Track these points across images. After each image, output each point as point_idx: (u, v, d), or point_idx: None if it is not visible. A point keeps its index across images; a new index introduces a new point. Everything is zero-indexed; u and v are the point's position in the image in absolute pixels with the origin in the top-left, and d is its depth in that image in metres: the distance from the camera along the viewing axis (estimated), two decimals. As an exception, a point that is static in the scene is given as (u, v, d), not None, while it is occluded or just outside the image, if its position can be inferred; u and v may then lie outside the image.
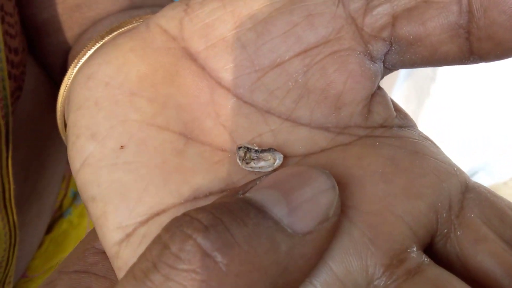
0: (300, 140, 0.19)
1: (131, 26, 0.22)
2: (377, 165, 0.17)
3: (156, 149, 0.18)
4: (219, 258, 0.13)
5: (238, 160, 0.18)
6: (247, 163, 0.18)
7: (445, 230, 0.16)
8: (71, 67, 0.22)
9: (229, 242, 0.13)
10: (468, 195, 0.17)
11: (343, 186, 0.17)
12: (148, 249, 0.14)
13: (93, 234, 0.22)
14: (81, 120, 0.19)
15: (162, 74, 0.19)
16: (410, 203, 0.16)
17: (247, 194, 0.15)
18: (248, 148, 0.18)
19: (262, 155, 0.18)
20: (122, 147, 0.18)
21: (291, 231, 0.14)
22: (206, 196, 0.17)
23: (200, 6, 0.19)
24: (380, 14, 0.18)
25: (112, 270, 0.20)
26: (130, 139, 0.18)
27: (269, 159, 0.18)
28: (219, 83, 0.19)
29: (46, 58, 0.37)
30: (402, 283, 0.15)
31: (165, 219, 0.17)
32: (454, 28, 0.17)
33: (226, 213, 0.14)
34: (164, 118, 0.18)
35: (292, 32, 0.19)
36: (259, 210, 0.14)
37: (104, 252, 0.21)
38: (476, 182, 0.18)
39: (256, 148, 0.18)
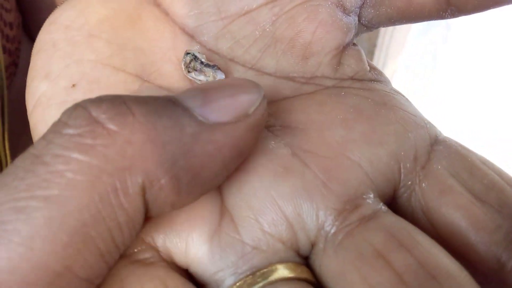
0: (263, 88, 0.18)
1: None
2: (338, 112, 0.17)
3: (108, 88, 0.17)
4: (108, 124, 0.13)
5: (182, 65, 0.18)
6: (189, 72, 0.18)
7: (409, 182, 0.16)
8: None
9: (123, 112, 0.13)
10: (437, 147, 0.16)
11: (300, 131, 0.16)
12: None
13: None
14: (37, 62, 0.18)
15: (123, 18, 0.19)
16: (369, 150, 0.16)
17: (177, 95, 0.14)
18: (195, 56, 0.18)
19: (205, 69, 0.18)
20: (73, 85, 0.17)
21: (202, 118, 0.14)
22: None
23: None
24: None
25: None
26: (82, 78, 0.18)
27: (209, 76, 0.18)
28: (183, 29, 0.19)
29: None
30: (354, 229, 0.14)
31: None
32: None
33: (136, 102, 0.13)
34: (120, 59, 0.18)
35: None
36: (168, 99, 0.14)
37: None
38: (447, 136, 0.17)
39: (202, 60, 0.18)
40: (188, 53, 0.18)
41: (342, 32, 0.18)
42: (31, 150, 0.13)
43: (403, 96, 0.18)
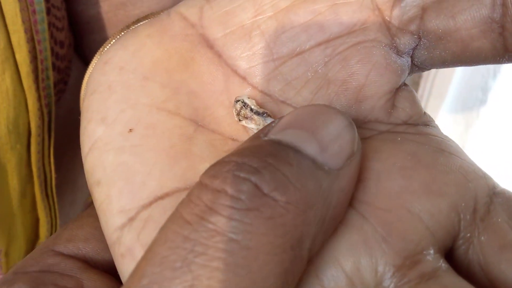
0: None
1: (156, 15, 0.22)
2: (396, 159, 0.16)
3: (164, 134, 0.18)
4: (278, 196, 0.13)
5: (234, 112, 0.18)
6: (240, 120, 0.18)
7: (468, 234, 0.15)
8: (96, 55, 0.22)
9: (283, 182, 0.13)
10: (496, 199, 0.15)
11: (358, 180, 0.16)
12: (194, 196, 0.13)
13: (51, 240, 0.21)
14: (93, 104, 0.19)
15: (177, 60, 0.19)
16: (429, 201, 0.15)
17: (272, 136, 0.14)
18: (245, 103, 0.18)
19: (254, 116, 0.17)
20: (130, 130, 0.18)
21: (328, 168, 0.14)
22: None
23: None
24: (408, 6, 0.17)
25: (77, 268, 0.20)
26: (139, 122, 0.18)
27: (259, 124, 0.17)
28: (235, 71, 0.19)
29: (90, 55, 0.39)
30: (414, 287, 0.14)
31: (168, 203, 0.16)
32: (487, 22, 0.16)
33: (269, 156, 0.14)
34: (175, 103, 0.18)
35: (314, 21, 0.18)
36: (295, 150, 0.14)
37: (64, 254, 0.21)
38: (505, 188, 0.16)
39: (252, 107, 0.17)
40: (238, 100, 0.18)
41: (396, 74, 0.18)
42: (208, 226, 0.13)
43: (456, 144, 0.18)
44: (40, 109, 0.31)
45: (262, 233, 0.13)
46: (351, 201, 0.15)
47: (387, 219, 0.15)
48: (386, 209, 0.15)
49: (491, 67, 0.87)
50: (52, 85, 0.32)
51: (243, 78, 0.19)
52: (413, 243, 0.14)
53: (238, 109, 0.18)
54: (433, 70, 0.83)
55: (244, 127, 0.18)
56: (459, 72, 0.93)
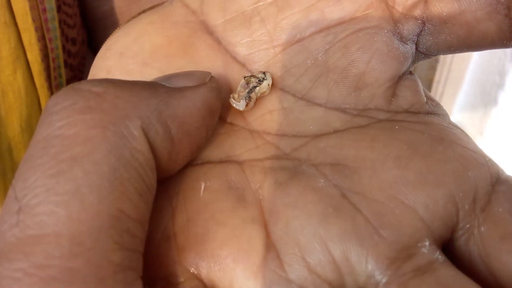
0: (312, 119, 0.17)
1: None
2: (391, 149, 0.16)
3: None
4: (94, 88, 0.14)
5: (240, 88, 0.18)
6: (247, 84, 0.18)
7: (468, 225, 0.14)
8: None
9: (105, 80, 0.15)
10: (499, 187, 0.15)
11: (351, 170, 0.15)
12: None
13: None
14: None
15: (176, 46, 0.19)
16: (425, 192, 0.14)
17: None
18: (258, 84, 0.18)
19: (242, 90, 0.18)
20: None
21: (169, 84, 0.16)
22: (203, 163, 0.17)
23: None
24: None
25: None
26: None
27: (239, 96, 0.18)
28: (234, 58, 0.19)
29: None
30: (408, 281, 0.13)
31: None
32: (492, 3, 0.16)
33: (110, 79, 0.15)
34: None
35: (315, 7, 0.18)
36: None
37: None
38: (511, 175, 0.16)
39: (252, 90, 0.18)
40: (264, 73, 0.18)
41: (398, 62, 0.17)
42: (37, 136, 0.14)
43: (462, 130, 0.17)
44: (54, 107, 0.31)
45: (78, 119, 0.13)
46: (344, 192, 0.15)
47: (380, 210, 0.14)
48: (379, 200, 0.15)
49: (508, 50, 0.85)
50: (64, 83, 0.32)
51: (242, 65, 0.19)
52: (407, 236, 0.14)
53: (256, 75, 0.18)
54: (449, 55, 0.82)
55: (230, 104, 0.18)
56: (476, 56, 0.91)
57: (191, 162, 0.17)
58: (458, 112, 0.97)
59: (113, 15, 0.36)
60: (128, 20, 0.21)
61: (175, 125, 0.15)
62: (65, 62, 0.32)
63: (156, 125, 0.14)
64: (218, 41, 0.19)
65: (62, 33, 0.31)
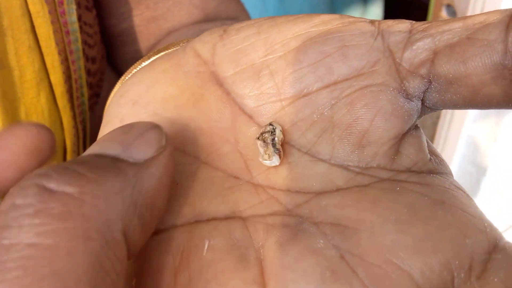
0: (316, 176, 0.18)
1: (173, 49, 0.22)
2: (391, 212, 0.16)
3: None
4: (70, 189, 0.13)
5: (261, 130, 0.18)
6: (258, 138, 0.18)
7: None
8: (117, 84, 0.23)
9: (75, 176, 0.13)
10: (495, 255, 0.15)
11: (350, 232, 0.16)
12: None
13: None
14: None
15: (187, 97, 0.19)
16: (421, 258, 0.15)
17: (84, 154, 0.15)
18: (274, 132, 0.18)
19: (270, 147, 0.18)
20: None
21: (133, 160, 0.14)
22: (208, 220, 0.17)
23: (236, 32, 0.19)
24: (420, 48, 0.17)
25: None
26: None
27: (266, 156, 0.18)
28: (242, 110, 0.19)
29: (122, 67, 0.39)
30: None
31: (162, 239, 0.17)
32: (498, 68, 0.15)
33: (62, 164, 0.14)
34: (181, 140, 0.19)
35: (323, 63, 0.18)
36: (95, 156, 0.14)
37: None
38: (509, 242, 0.16)
39: (276, 140, 0.18)
40: (271, 124, 0.18)
41: (403, 120, 0.17)
42: (8, 239, 0.12)
43: (464, 192, 0.17)
44: (75, 126, 0.31)
45: (59, 228, 0.12)
46: (342, 253, 0.15)
47: (376, 274, 0.15)
48: (376, 264, 0.15)
49: None
50: (86, 102, 0.33)
51: (250, 117, 0.19)
52: None
53: (265, 130, 0.18)
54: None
55: (255, 145, 0.18)
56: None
57: (197, 219, 0.17)
58: (471, 118, 0.96)
59: (132, 33, 0.36)
60: (143, 60, 0.22)
61: (148, 211, 0.15)
62: (86, 81, 0.32)
63: (134, 220, 0.14)
64: (227, 93, 0.19)
65: (83, 53, 0.31)
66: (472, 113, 0.95)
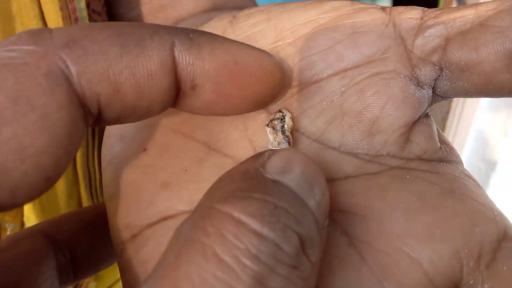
0: (325, 163, 0.18)
1: None
2: (401, 200, 0.16)
3: (177, 156, 0.18)
4: (312, 258, 0.13)
5: (269, 116, 0.18)
6: (267, 125, 0.18)
7: (471, 281, 0.15)
8: None
9: (313, 242, 0.13)
10: (505, 244, 0.15)
11: (359, 219, 0.16)
12: (225, 229, 0.12)
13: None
14: None
15: None
16: (430, 246, 0.15)
17: (276, 177, 0.14)
18: (283, 119, 0.18)
19: (279, 134, 0.18)
20: (144, 150, 0.18)
21: (320, 226, 0.14)
22: None
23: (245, 18, 0.19)
24: (432, 35, 0.17)
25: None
26: (154, 143, 0.18)
27: (276, 143, 0.18)
28: None
29: None
30: None
31: (172, 225, 0.17)
32: (510, 56, 0.15)
33: (289, 206, 0.13)
34: (190, 126, 0.19)
35: (333, 50, 0.18)
36: (301, 201, 0.13)
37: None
38: None
39: (285, 127, 0.18)
40: (281, 111, 0.18)
41: (413, 108, 0.17)
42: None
43: (474, 180, 0.17)
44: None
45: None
46: (351, 240, 0.15)
47: (385, 261, 0.15)
48: (385, 252, 0.15)
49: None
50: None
51: None
52: None
53: (275, 117, 0.18)
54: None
55: (264, 132, 0.18)
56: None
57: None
58: (482, 113, 0.96)
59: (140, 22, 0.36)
60: None
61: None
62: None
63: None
64: None
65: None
66: (482, 108, 0.95)
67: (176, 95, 0.16)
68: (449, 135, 1.02)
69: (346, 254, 0.15)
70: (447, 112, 1.02)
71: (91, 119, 0.15)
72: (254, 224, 0.12)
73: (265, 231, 0.12)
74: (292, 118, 0.18)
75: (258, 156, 0.14)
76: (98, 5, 0.33)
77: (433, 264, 0.15)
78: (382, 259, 0.15)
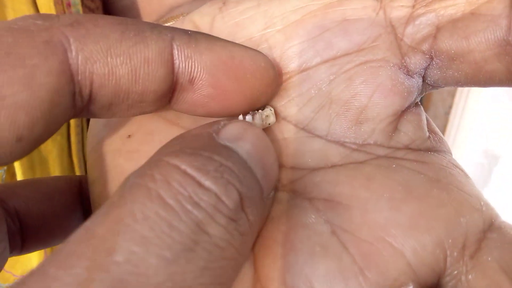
0: (311, 152, 0.17)
1: (173, 22, 0.22)
2: (386, 189, 0.16)
3: (161, 142, 0.17)
4: (250, 216, 0.14)
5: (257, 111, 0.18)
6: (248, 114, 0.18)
7: (455, 272, 0.14)
8: None
9: (255, 203, 0.14)
10: (491, 234, 0.15)
11: (343, 208, 0.15)
12: (173, 179, 0.13)
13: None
14: None
15: None
16: (414, 236, 0.14)
17: (227, 143, 0.14)
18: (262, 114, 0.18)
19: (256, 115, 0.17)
20: (129, 136, 0.18)
21: (264, 195, 0.15)
22: None
23: (235, 5, 0.19)
24: (423, 24, 0.16)
25: None
26: (138, 129, 0.18)
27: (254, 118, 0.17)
28: None
29: None
30: None
31: None
32: (501, 45, 0.15)
33: (239, 170, 0.14)
34: (176, 113, 0.18)
35: (322, 37, 0.17)
36: (247, 166, 0.14)
37: None
38: (505, 222, 0.15)
39: (263, 114, 0.18)
40: (266, 107, 0.18)
41: (402, 97, 0.17)
42: None
43: (461, 170, 0.17)
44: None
45: (233, 245, 0.13)
46: (334, 229, 0.15)
47: (367, 251, 0.14)
48: (368, 241, 0.15)
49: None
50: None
51: None
52: (392, 278, 0.14)
53: (258, 109, 0.18)
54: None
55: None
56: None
57: None
58: (485, 108, 0.95)
59: (134, 10, 0.36)
60: None
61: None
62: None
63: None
64: None
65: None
66: (485, 103, 0.94)
67: (171, 90, 0.16)
68: (451, 130, 1.02)
69: (328, 243, 0.15)
70: (450, 107, 1.01)
71: (81, 101, 0.15)
72: (198, 176, 0.13)
73: (207, 183, 0.13)
74: (276, 113, 0.18)
75: (213, 123, 0.15)
76: (91, -9, 0.33)
77: (416, 254, 0.14)
78: (364, 249, 0.15)
